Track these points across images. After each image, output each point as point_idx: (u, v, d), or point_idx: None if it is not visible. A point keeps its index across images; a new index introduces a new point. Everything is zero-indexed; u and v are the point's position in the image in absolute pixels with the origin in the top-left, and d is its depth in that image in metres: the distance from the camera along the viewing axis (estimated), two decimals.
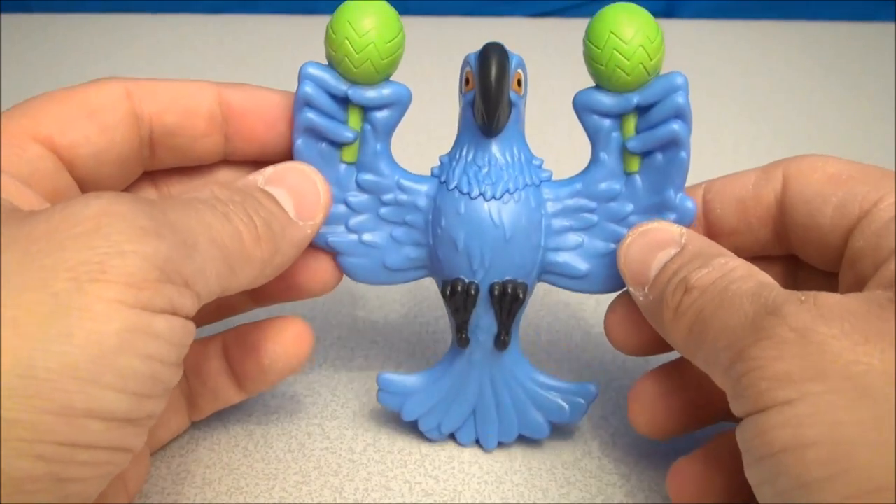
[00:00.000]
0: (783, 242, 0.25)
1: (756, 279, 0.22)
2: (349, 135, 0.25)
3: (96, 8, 0.64)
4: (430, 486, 0.27)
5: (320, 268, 0.27)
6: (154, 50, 0.59)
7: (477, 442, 0.28)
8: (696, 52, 0.60)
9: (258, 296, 0.28)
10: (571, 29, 0.31)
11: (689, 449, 0.25)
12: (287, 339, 0.26)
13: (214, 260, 0.21)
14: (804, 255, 0.25)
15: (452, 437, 0.28)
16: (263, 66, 0.56)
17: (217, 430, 0.29)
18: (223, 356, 0.27)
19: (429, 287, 0.35)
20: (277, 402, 0.30)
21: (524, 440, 0.28)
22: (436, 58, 0.53)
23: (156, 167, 0.26)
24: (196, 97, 0.25)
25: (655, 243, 0.24)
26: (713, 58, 0.59)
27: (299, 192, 0.24)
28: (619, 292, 0.26)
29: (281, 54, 0.58)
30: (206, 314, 0.27)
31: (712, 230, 0.26)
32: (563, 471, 0.27)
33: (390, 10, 0.24)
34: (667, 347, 0.25)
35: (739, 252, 0.25)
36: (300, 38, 0.60)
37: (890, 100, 0.52)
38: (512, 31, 0.63)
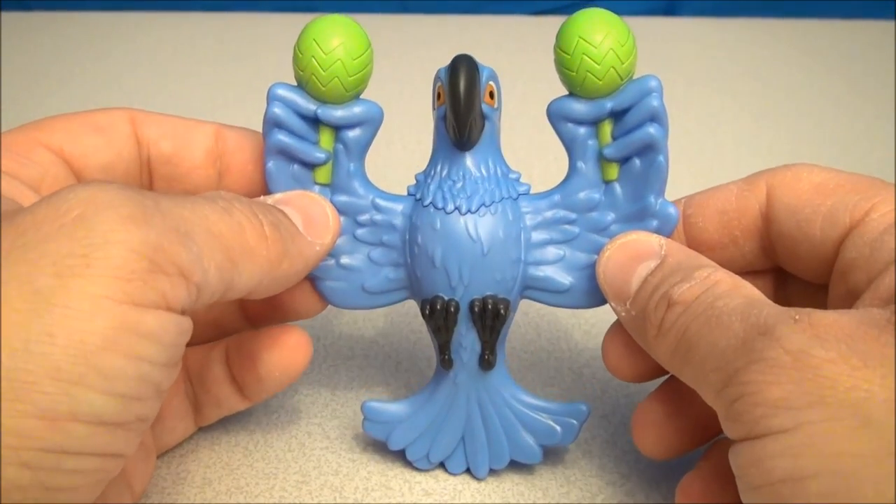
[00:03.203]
0: (769, 255, 0.25)
1: (743, 294, 0.21)
2: (320, 155, 0.25)
3: (96, 6, 0.64)
4: (430, 485, 0.27)
5: (304, 292, 0.26)
6: (154, 48, 0.59)
7: (468, 471, 0.27)
8: (696, 50, 0.60)
9: (253, 315, 0.28)
10: None
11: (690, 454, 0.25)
12: (283, 349, 0.25)
13: (213, 250, 0.20)
14: (792, 268, 0.25)
15: (442, 465, 0.27)
16: (263, 65, 0.56)
17: (217, 429, 0.29)
18: (225, 363, 0.27)
19: None
20: (278, 401, 0.30)
21: (516, 465, 0.27)
22: (436, 57, 0.53)
23: None
24: (194, 130, 0.26)
25: (634, 256, 0.24)
26: (713, 56, 0.59)
27: (308, 213, 0.24)
28: (614, 320, 0.25)
29: (281, 53, 0.58)
30: (203, 333, 0.27)
31: (695, 246, 0.25)
32: (564, 470, 0.27)
33: (357, 27, 0.24)
34: (665, 371, 0.25)
35: (725, 267, 0.25)
36: None
37: (890, 98, 0.52)
38: (511, 30, 0.62)
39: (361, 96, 0.25)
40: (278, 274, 0.22)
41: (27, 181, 0.22)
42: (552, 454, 0.28)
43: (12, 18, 0.62)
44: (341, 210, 0.25)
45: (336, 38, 0.23)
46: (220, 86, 0.53)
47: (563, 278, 0.25)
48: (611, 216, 0.25)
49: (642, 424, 0.25)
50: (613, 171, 0.25)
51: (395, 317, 0.34)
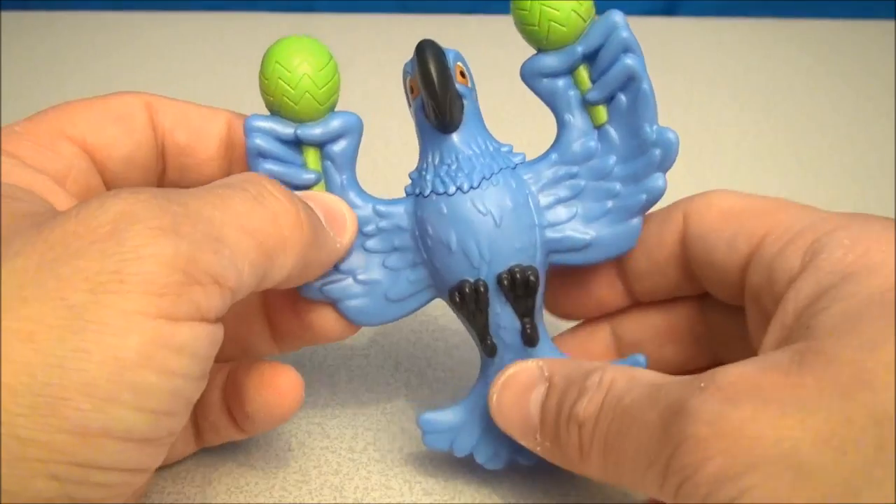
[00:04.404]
0: (695, 281, 0.25)
1: (641, 382, 0.21)
2: (309, 177, 0.24)
3: (96, 6, 0.64)
4: (430, 485, 0.27)
5: (336, 314, 0.25)
6: (154, 48, 0.59)
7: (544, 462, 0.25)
8: (696, 50, 0.59)
9: (281, 335, 0.27)
10: None
11: None
12: (272, 389, 0.24)
13: (247, 249, 0.20)
14: (714, 293, 0.25)
15: (515, 461, 0.26)
16: None
17: None
18: (223, 390, 0.26)
19: None
20: None
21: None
22: None
23: (163, 186, 0.26)
24: (209, 120, 0.25)
25: (521, 388, 0.23)
26: (713, 56, 0.59)
27: (329, 209, 0.24)
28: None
29: None
30: (226, 350, 0.26)
31: (627, 273, 0.26)
32: (564, 469, 0.27)
33: (314, 41, 0.24)
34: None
35: (658, 293, 0.25)
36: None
37: (890, 98, 0.52)
38: (511, 30, 0.62)
39: (337, 108, 0.25)
40: (310, 260, 0.22)
41: (53, 175, 0.22)
42: None
43: (12, 18, 0.62)
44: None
45: (297, 55, 0.23)
46: (220, 86, 0.53)
47: (583, 234, 0.25)
48: (612, 158, 0.25)
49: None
50: (602, 114, 0.25)
51: None
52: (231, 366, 0.26)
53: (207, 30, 0.61)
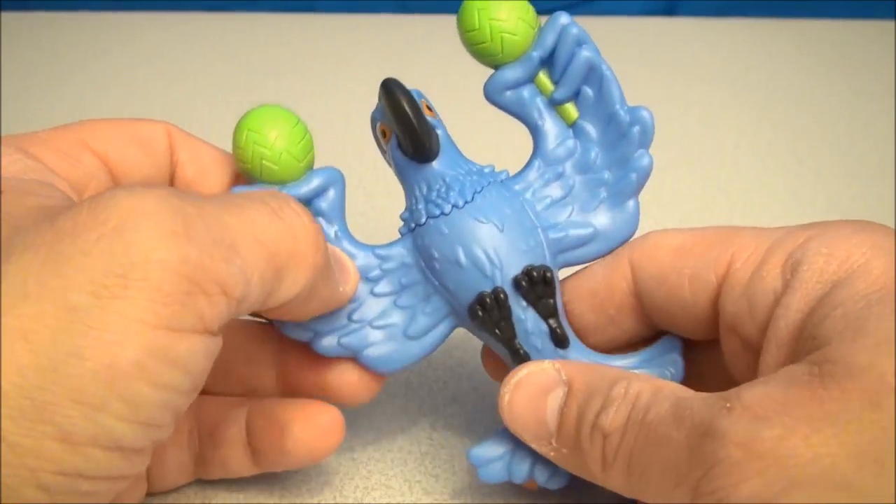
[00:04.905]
0: (649, 325, 0.25)
1: (664, 395, 0.20)
2: None
3: (96, 6, 0.64)
4: (430, 484, 0.27)
5: (356, 374, 0.25)
6: (154, 48, 0.59)
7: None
8: (696, 50, 0.59)
9: (290, 386, 0.26)
10: None
11: None
12: (316, 426, 0.24)
13: (258, 259, 0.19)
14: (678, 332, 0.24)
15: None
16: (263, 65, 0.56)
17: None
18: (244, 425, 0.25)
19: None
20: None
21: None
22: (435, 57, 0.53)
23: None
24: (218, 162, 0.25)
25: (536, 390, 0.23)
26: (713, 56, 0.59)
27: (334, 254, 0.23)
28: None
29: (281, 52, 0.58)
30: (229, 385, 0.26)
31: (577, 331, 0.25)
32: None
33: (275, 106, 0.24)
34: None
35: (609, 346, 0.25)
36: (300, 36, 0.60)
37: (890, 98, 0.52)
38: None
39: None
40: (318, 289, 0.21)
41: (74, 182, 0.22)
42: None
43: (12, 18, 0.62)
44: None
45: (267, 121, 0.23)
46: (220, 86, 0.53)
47: (584, 228, 0.25)
48: (594, 151, 0.25)
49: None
50: (572, 112, 0.25)
51: None
52: (255, 403, 0.26)
53: (207, 30, 0.61)
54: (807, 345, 0.19)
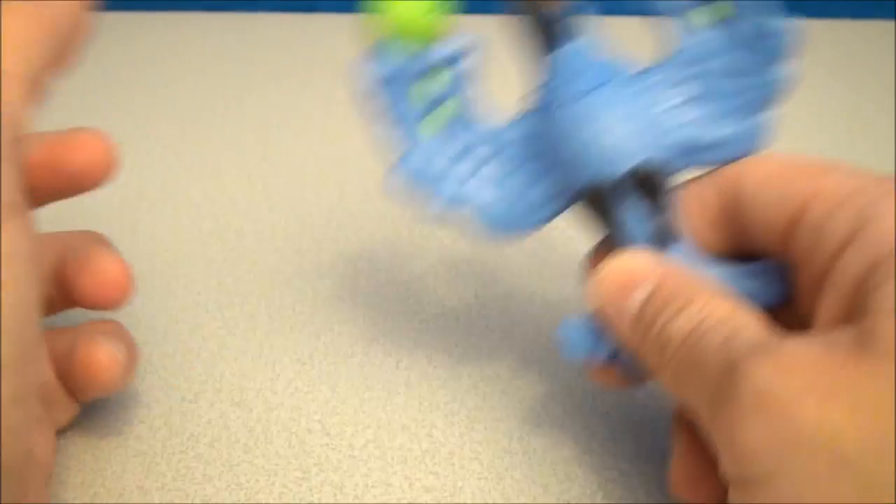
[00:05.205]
0: (731, 244, 0.25)
1: (729, 325, 0.20)
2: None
3: (95, 6, 0.64)
4: (430, 482, 0.27)
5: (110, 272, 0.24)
6: (154, 47, 0.59)
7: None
8: None
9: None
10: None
11: None
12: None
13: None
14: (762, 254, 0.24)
15: None
16: (263, 65, 0.56)
17: (217, 426, 0.29)
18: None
19: (429, 283, 0.35)
20: (278, 398, 0.30)
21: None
22: None
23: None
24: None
25: (629, 278, 0.23)
26: None
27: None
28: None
29: (281, 52, 0.58)
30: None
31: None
32: (564, 467, 0.27)
33: None
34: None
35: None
36: (300, 36, 0.60)
37: (890, 98, 0.52)
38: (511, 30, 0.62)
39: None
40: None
41: None
42: (552, 452, 0.28)
43: None
44: (481, 140, 0.26)
45: None
46: (219, 86, 0.53)
47: (716, 131, 0.25)
48: (733, 55, 0.24)
49: (681, 487, 0.24)
50: (726, 7, 0.24)
51: (395, 315, 0.34)
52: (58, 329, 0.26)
53: (207, 30, 0.61)
54: (858, 310, 0.19)
